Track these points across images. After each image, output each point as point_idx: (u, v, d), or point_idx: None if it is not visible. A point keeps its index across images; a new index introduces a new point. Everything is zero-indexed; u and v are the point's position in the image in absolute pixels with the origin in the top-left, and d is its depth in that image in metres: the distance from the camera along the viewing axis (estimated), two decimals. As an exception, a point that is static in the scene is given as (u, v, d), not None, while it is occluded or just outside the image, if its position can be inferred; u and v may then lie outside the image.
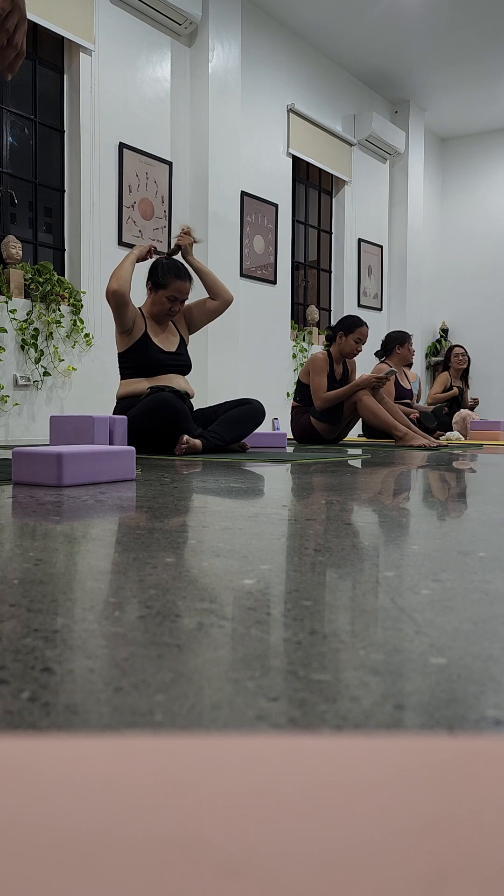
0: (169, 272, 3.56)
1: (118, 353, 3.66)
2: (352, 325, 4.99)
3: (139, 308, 3.66)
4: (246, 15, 6.70)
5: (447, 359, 7.43)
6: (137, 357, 3.58)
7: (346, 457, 3.40)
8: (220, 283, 3.77)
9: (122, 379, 3.66)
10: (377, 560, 0.96)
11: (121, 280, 3.42)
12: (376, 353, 6.22)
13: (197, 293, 4.01)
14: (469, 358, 7.47)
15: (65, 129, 5.39)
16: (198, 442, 3.37)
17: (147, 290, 3.65)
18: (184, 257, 3.73)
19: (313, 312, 7.87)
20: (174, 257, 3.69)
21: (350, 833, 0.25)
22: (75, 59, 5.30)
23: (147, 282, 3.66)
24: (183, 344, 3.74)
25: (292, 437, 5.34)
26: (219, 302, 3.78)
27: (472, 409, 7.17)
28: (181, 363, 3.67)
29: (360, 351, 5.12)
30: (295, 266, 7.87)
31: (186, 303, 3.78)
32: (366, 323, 4.99)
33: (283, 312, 7.28)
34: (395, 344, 6.00)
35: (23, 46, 1.83)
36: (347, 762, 0.30)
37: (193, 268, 3.73)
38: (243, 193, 6.69)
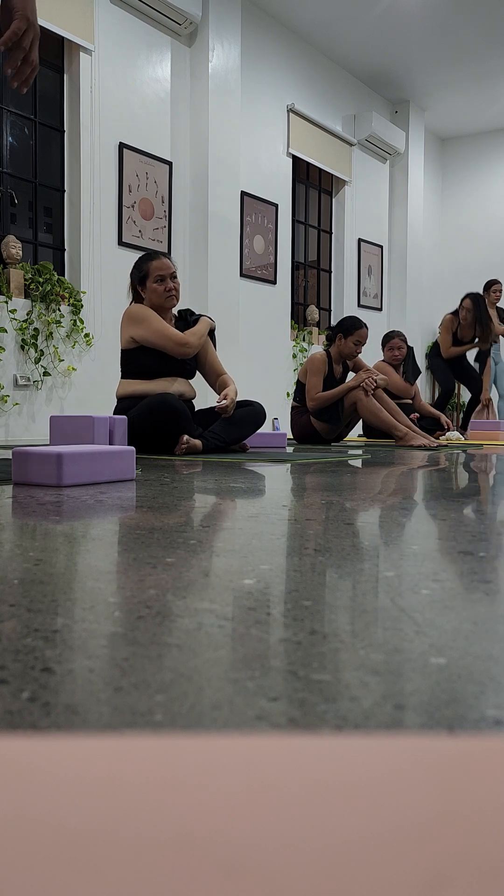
0: (143, 261, 3.55)
1: (122, 350, 3.56)
2: (351, 328, 4.97)
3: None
4: (246, 15, 6.70)
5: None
6: (143, 358, 3.53)
7: (346, 457, 3.39)
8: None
9: (123, 378, 3.59)
10: (377, 560, 0.96)
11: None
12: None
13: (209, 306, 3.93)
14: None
15: (65, 129, 5.38)
16: (198, 442, 3.36)
17: (141, 294, 3.58)
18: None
19: (313, 312, 7.87)
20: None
21: (350, 832, 0.25)
22: (75, 59, 5.30)
23: (131, 290, 3.61)
24: None
25: (292, 437, 5.34)
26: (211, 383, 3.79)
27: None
28: (186, 367, 3.64)
29: (360, 353, 5.10)
30: (295, 266, 7.87)
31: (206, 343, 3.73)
32: (365, 325, 4.97)
33: (283, 312, 7.28)
34: (384, 345, 6.02)
35: (36, 61, 1.90)
36: (347, 762, 0.30)
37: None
38: (243, 193, 6.69)
